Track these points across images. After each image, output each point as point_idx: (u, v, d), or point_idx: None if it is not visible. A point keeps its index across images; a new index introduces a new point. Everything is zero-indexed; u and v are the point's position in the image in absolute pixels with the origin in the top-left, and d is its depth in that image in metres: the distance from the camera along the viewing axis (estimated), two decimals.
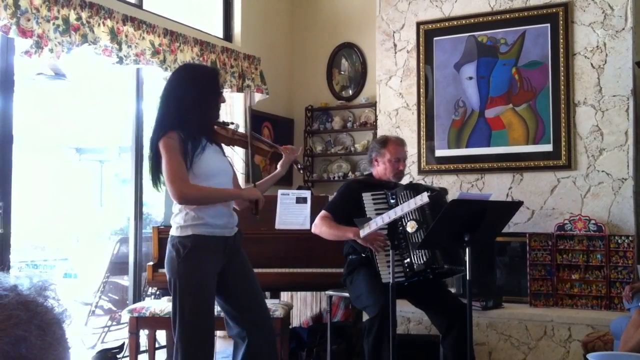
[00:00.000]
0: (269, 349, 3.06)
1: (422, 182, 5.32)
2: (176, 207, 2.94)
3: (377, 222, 3.14)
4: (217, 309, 3.01)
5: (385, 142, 3.85)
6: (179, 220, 2.91)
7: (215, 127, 3.04)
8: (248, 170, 3.09)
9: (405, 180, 4.05)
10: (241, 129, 3.12)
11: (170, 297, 2.96)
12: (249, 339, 2.99)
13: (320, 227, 3.66)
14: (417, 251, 3.43)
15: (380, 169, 3.84)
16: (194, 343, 2.86)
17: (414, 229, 3.40)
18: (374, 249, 3.42)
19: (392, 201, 3.49)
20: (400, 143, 3.89)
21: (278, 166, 3.25)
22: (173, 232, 2.93)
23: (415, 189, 3.50)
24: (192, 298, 2.86)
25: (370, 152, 3.93)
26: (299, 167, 3.36)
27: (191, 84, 2.92)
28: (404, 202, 3.28)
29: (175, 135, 2.82)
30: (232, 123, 3.12)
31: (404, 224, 3.45)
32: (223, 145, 3.12)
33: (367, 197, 3.56)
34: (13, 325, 0.80)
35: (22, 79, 4.27)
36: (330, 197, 4.89)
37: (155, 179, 2.95)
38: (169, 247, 2.93)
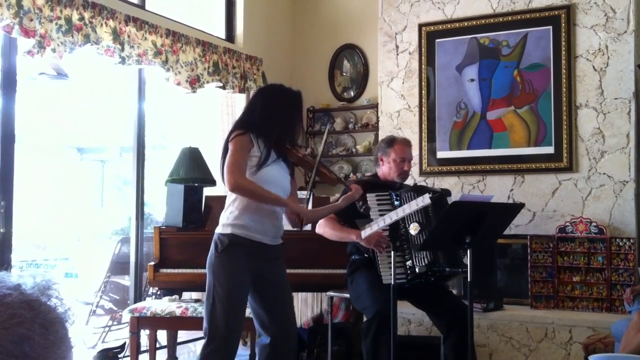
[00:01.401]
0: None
1: (423, 183, 5.32)
2: (227, 204, 3.07)
3: (379, 223, 3.14)
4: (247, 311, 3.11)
5: (391, 141, 3.87)
6: (224, 218, 3.05)
7: (291, 144, 3.16)
8: (308, 194, 3.23)
9: (406, 182, 4.04)
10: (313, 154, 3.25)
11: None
12: (271, 348, 3.09)
13: (324, 228, 3.67)
14: (419, 253, 3.44)
15: (385, 168, 3.85)
16: (222, 336, 2.96)
17: (416, 231, 3.40)
18: (376, 250, 3.42)
19: (396, 202, 3.50)
20: (406, 143, 3.90)
21: (340, 199, 3.32)
22: (217, 229, 3.07)
23: (419, 191, 3.50)
24: (223, 292, 2.97)
25: (376, 152, 3.95)
26: (360, 205, 3.35)
27: (280, 101, 3.12)
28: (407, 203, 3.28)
29: (247, 136, 3.00)
30: (307, 147, 3.23)
31: (407, 225, 3.45)
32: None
33: (371, 197, 3.56)
34: (16, 324, 0.80)
35: (24, 79, 4.27)
36: (332, 199, 4.89)
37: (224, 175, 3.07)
38: (211, 244, 3.07)
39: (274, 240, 3.10)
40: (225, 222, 3.02)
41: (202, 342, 3.04)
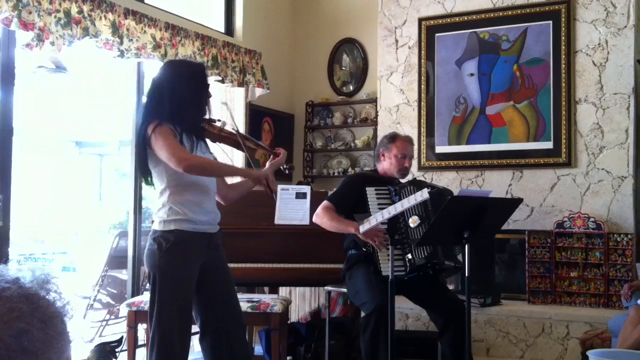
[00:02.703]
0: (240, 350, 3.04)
1: (422, 178, 5.32)
2: (159, 201, 2.92)
3: (377, 217, 3.14)
4: None
5: (393, 137, 3.88)
6: (162, 215, 2.88)
7: (205, 122, 3.02)
8: (248, 164, 3.04)
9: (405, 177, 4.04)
10: (228, 126, 3.09)
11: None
12: (220, 338, 2.97)
13: (322, 218, 3.66)
14: (418, 246, 3.44)
15: (386, 164, 3.85)
16: (170, 339, 2.84)
17: (415, 224, 3.40)
18: (374, 244, 3.42)
19: (395, 197, 3.49)
20: (408, 140, 3.92)
21: (267, 166, 3.14)
22: (155, 226, 2.91)
23: (418, 186, 3.50)
24: (172, 293, 2.84)
25: (377, 147, 3.96)
26: (284, 168, 3.27)
27: (186, 79, 2.92)
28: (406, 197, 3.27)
29: (168, 127, 2.81)
30: (219, 120, 3.10)
31: (406, 218, 3.46)
32: (209, 141, 3.09)
33: (370, 191, 3.56)
34: (15, 318, 0.80)
35: (23, 72, 4.26)
36: (330, 193, 4.89)
37: (145, 173, 2.94)
38: (149, 240, 2.91)
39: (214, 228, 2.99)
40: (167, 219, 2.86)
41: (148, 347, 2.91)
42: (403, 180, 3.81)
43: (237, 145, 3.09)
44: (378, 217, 3.13)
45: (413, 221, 3.43)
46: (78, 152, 8.61)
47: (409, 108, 5.65)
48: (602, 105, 4.97)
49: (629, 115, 4.88)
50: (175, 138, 2.81)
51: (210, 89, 3.06)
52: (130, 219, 5.00)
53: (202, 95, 2.96)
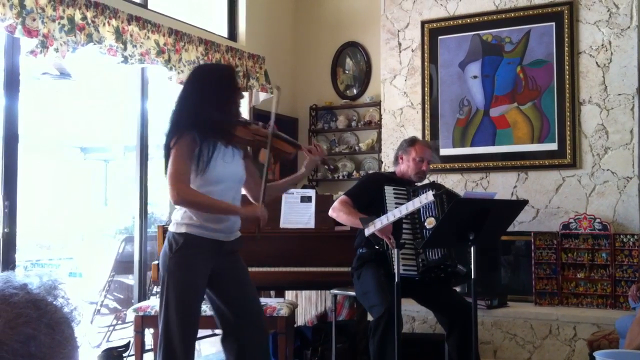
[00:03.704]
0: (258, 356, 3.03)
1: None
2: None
3: (382, 220, 3.13)
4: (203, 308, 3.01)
5: (413, 141, 3.92)
6: (176, 217, 2.92)
7: (236, 126, 2.96)
8: (264, 173, 3.00)
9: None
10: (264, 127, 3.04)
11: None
12: (239, 346, 2.97)
13: (339, 212, 3.66)
14: (424, 248, 3.45)
15: (403, 166, 3.87)
16: (175, 340, 2.85)
17: (431, 225, 3.42)
18: (389, 242, 3.35)
19: (413, 198, 3.50)
20: (427, 145, 3.97)
21: (303, 167, 3.17)
22: (170, 227, 2.95)
23: (437, 189, 3.53)
24: (178, 294, 2.86)
25: (397, 150, 3.98)
26: (328, 167, 3.27)
27: (203, 83, 2.90)
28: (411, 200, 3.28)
29: (189, 137, 2.80)
30: (257, 123, 3.07)
31: (423, 220, 3.48)
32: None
33: (389, 190, 3.58)
34: (23, 324, 0.80)
35: (27, 79, 4.27)
36: (335, 197, 4.89)
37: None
38: (165, 242, 2.95)
39: (230, 236, 2.98)
40: (180, 221, 2.89)
41: (160, 349, 2.91)
42: (419, 184, 3.83)
43: (266, 147, 3.00)
44: (383, 219, 3.13)
45: (429, 222, 3.45)
46: (83, 157, 8.63)
47: (413, 111, 5.65)
48: (606, 106, 4.96)
49: (633, 116, 4.87)
50: (193, 150, 2.80)
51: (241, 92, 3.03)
52: (136, 224, 5.01)
53: (231, 99, 2.94)
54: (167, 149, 2.85)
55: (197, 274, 2.90)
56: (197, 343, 3.17)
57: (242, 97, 3.03)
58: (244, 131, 2.96)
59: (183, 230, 2.88)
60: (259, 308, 3.11)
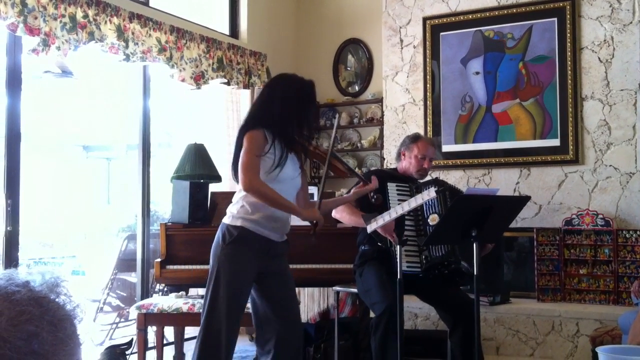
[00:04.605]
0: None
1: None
2: (235, 197, 3.04)
3: (385, 217, 3.13)
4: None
5: (416, 138, 3.91)
6: (233, 210, 3.01)
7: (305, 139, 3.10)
8: (320, 187, 3.16)
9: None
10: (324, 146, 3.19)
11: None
12: (275, 349, 3.03)
13: (342, 212, 3.66)
14: (426, 244, 3.45)
15: (405, 163, 3.87)
16: (217, 328, 2.92)
17: (434, 222, 3.42)
18: (393, 240, 3.35)
19: (416, 195, 3.50)
20: (430, 142, 3.95)
21: (351, 191, 3.33)
22: (225, 220, 3.03)
23: (440, 185, 3.52)
24: (227, 285, 2.94)
25: (399, 146, 3.98)
26: (373, 197, 3.33)
27: (299, 94, 3.04)
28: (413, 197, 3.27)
29: (261, 132, 2.94)
30: (318, 138, 3.17)
31: (426, 216, 3.48)
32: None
33: (392, 187, 3.58)
34: (25, 321, 0.80)
35: (29, 77, 4.28)
36: (338, 194, 4.89)
37: (234, 169, 3.04)
38: (218, 233, 3.03)
39: (280, 237, 3.08)
40: (236, 215, 2.98)
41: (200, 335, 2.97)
42: (421, 181, 3.82)
43: (325, 164, 3.13)
44: (385, 216, 3.13)
45: (432, 219, 3.45)
46: (86, 156, 8.63)
47: (415, 107, 5.64)
48: (608, 101, 4.95)
49: (635, 112, 4.86)
50: (264, 145, 2.92)
51: (315, 106, 3.20)
52: (139, 222, 5.02)
53: (307, 113, 3.07)
54: (240, 141, 2.97)
55: (247, 267, 2.97)
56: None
57: (315, 111, 3.16)
58: (308, 143, 3.12)
59: (239, 223, 2.96)
60: (297, 315, 3.20)
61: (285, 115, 2.98)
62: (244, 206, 2.97)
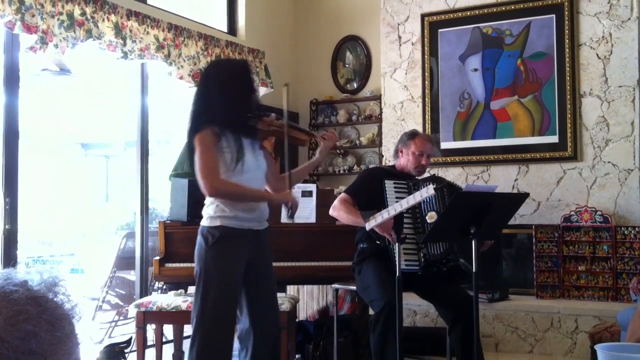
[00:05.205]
0: (272, 349, 3.09)
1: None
2: (208, 199, 2.98)
3: (383, 215, 3.13)
4: None
5: (413, 134, 3.90)
6: (209, 212, 2.96)
7: (256, 119, 3.03)
8: (283, 162, 3.12)
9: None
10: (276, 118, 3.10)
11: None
12: (254, 338, 3.02)
13: (339, 211, 3.65)
14: (425, 242, 3.45)
15: (403, 160, 3.86)
16: (213, 334, 2.89)
17: (433, 220, 3.41)
18: (390, 238, 3.36)
19: (414, 192, 3.49)
20: (428, 139, 3.93)
21: (317, 153, 3.28)
22: (203, 222, 2.99)
23: (438, 182, 3.52)
24: (217, 287, 2.90)
25: (397, 143, 3.97)
26: (340, 152, 3.32)
27: (233, 76, 2.95)
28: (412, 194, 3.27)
29: (209, 131, 2.86)
30: (270, 114, 3.10)
31: (424, 214, 3.47)
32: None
33: (389, 184, 3.57)
34: (23, 320, 0.80)
35: (27, 75, 4.27)
36: (336, 191, 4.89)
37: (195, 175, 2.98)
38: (198, 237, 2.99)
39: (262, 225, 3.05)
40: (213, 215, 2.93)
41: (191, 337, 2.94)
42: (419, 178, 3.82)
43: (283, 137, 3.07)
44: (384, 214, 3.12)
45: (430, 217, 3.44)
46: (84, 153, 8.62)
47: (414, 104, 5.64)
48: (607, 98, 4.95)
49: (634, 108, 4.86)
50: (217, 144, 2.85)
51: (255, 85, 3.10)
52: (137, 220, 5.01)
53: (247, 92, 2.98)
54: (191, 146, 2.90)
55: (236, 266, 2.95)
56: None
57: (256, 90, 3.11)
58: (261, 123, 3.03)
59: (218, 223, 2.92)
60: (277, 307, 3.18)
61: (227, 103, 2.90)
62: (218, 205, 2.93)
